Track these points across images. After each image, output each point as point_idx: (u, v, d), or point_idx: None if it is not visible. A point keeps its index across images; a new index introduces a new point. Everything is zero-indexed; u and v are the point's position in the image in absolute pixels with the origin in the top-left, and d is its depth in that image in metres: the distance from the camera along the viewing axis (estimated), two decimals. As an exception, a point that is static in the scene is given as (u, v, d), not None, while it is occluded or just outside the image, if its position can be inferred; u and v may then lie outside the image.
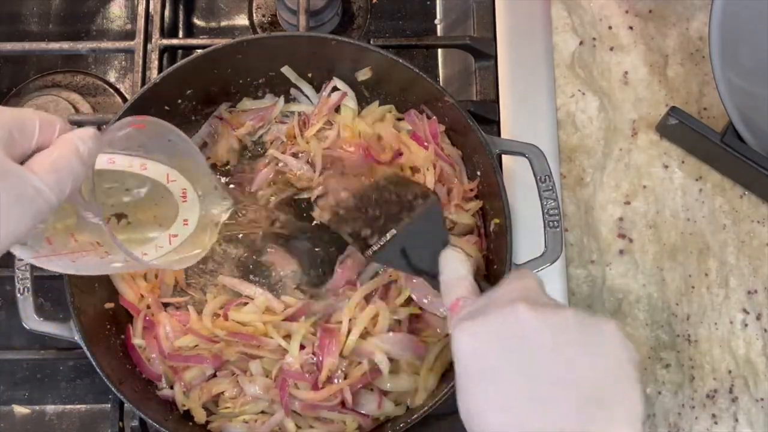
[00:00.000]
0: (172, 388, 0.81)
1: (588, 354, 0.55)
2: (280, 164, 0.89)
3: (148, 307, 0.83)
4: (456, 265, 0.66)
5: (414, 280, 0.81)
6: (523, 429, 0.52)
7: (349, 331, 0.79)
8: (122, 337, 0.82)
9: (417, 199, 0.74)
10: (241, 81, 0.89)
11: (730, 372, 0.88)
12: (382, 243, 0.72)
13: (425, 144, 0.85)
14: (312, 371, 0.78)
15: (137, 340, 0.82)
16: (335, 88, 0.89)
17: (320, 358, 0.78)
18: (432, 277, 0.67)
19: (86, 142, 0.55)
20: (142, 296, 0.84)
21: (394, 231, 0.72)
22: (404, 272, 0.79)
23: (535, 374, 0.54)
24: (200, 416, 0.80)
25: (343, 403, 0.78)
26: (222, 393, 0.80)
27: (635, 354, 0.56)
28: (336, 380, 0.78)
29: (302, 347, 0.80)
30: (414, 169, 0.85)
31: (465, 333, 0.56)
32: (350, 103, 0.89)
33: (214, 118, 0.90)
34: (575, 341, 0.55)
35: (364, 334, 0.80)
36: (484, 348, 0.55)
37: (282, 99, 0.91)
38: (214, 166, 0.89)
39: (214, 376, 0.81)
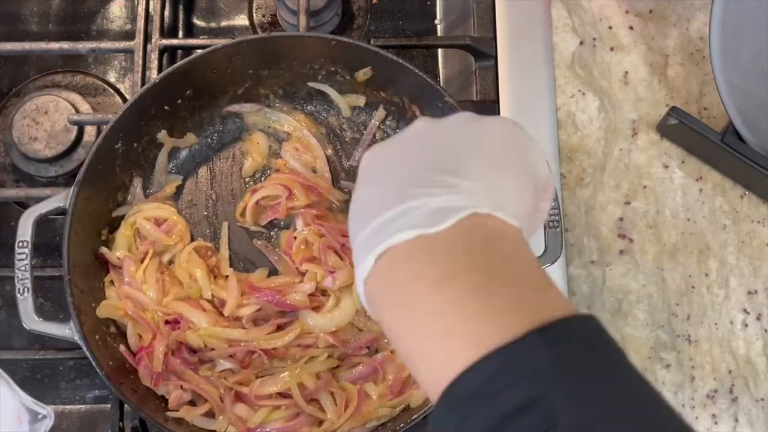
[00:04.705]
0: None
1: (464, 135, 0.52)
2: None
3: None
4: None
5: None
6: (380, 208, 0.49)
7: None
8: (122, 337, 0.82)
9: None
10: (241, 81, 0.89)
11: (730, 372, 0.88)
12: None
13: None
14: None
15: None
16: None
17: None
18: None
19: None
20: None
21: None
22: None
23: (408, 161, 0.52)
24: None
25: None
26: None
27: (518, 130, 0.53)
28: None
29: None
30: None
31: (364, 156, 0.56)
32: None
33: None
34: (459, 130, 0.53)
35: None
36: (374, 158, 0.55)
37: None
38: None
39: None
